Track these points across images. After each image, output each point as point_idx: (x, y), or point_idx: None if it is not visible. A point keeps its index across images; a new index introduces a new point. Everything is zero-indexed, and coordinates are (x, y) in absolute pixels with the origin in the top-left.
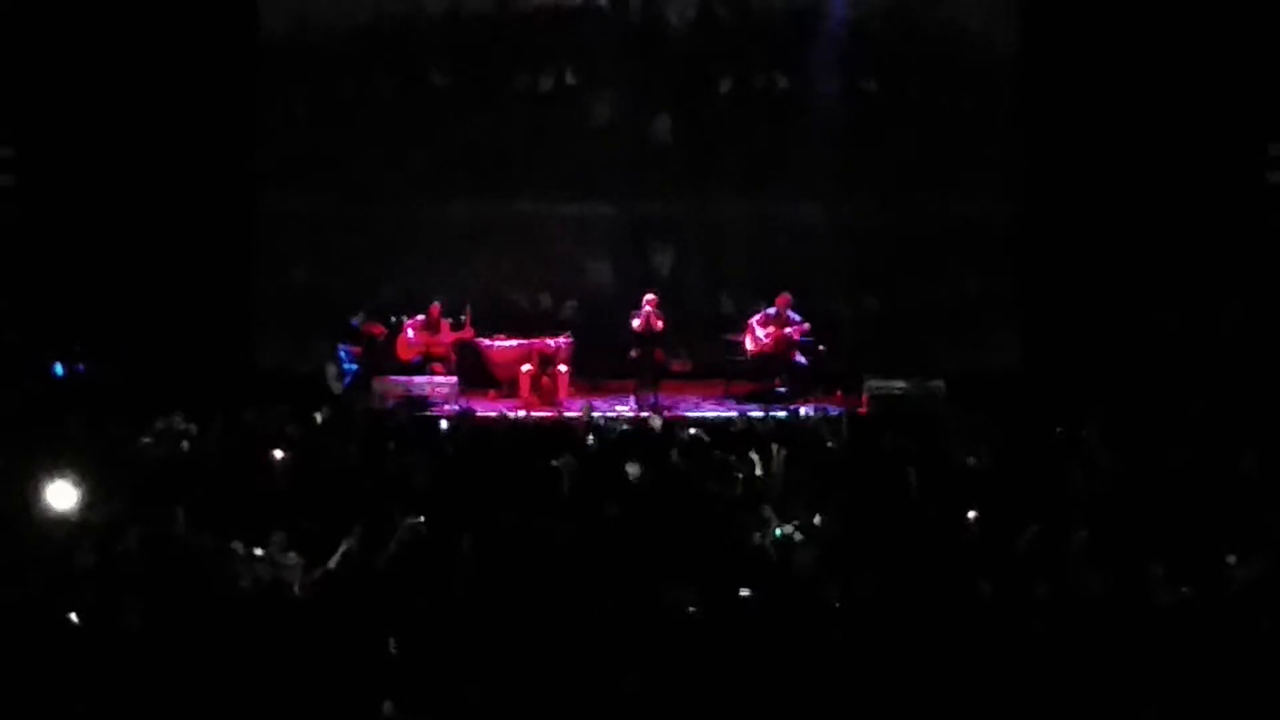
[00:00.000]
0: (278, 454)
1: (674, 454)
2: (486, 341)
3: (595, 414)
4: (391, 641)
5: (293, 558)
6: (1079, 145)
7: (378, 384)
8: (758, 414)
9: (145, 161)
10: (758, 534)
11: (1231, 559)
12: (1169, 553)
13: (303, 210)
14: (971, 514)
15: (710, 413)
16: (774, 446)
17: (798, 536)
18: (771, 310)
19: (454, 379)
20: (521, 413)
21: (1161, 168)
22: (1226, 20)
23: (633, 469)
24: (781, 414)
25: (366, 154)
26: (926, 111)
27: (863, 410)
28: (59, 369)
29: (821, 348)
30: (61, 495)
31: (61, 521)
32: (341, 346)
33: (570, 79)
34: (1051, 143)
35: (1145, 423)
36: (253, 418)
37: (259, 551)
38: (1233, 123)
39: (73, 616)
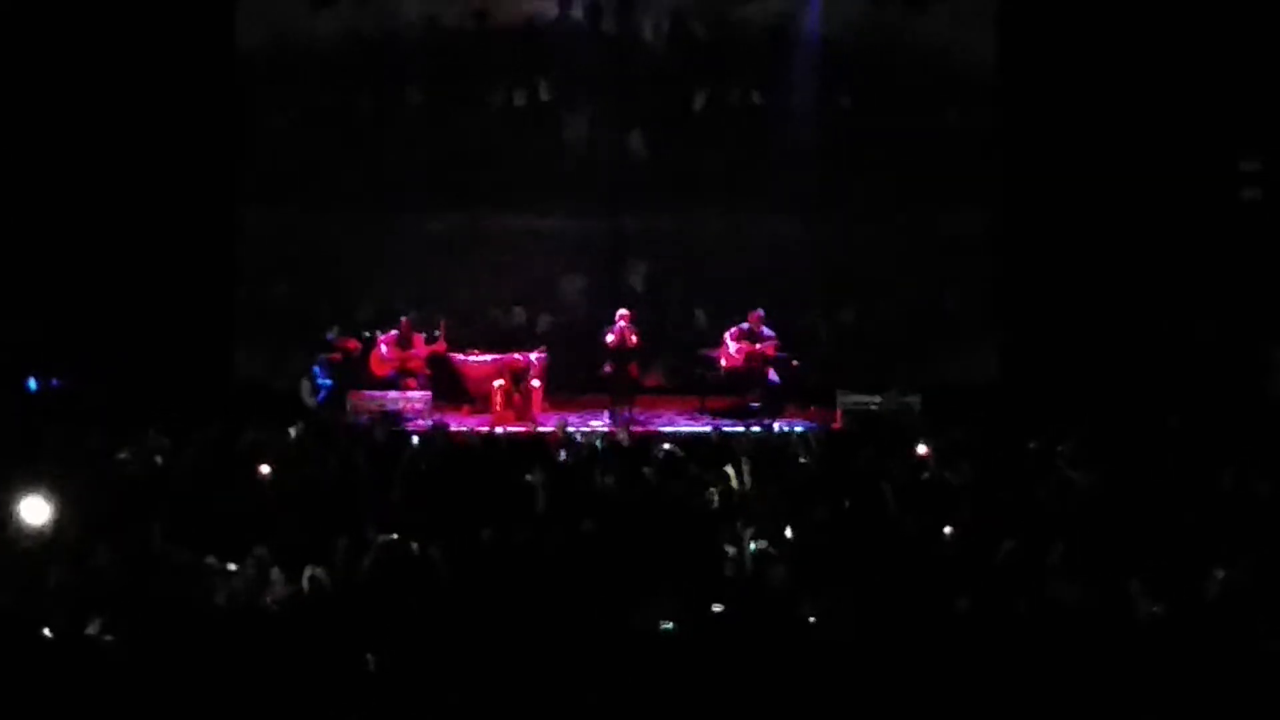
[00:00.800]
0: (264, 469)
1: (647, 469)
2: (460, 356)
3: (570, 429)
4: (370, 658)
5: (274, 573)
6: (1055, 159)
7: (351, 399)
8: (732, 429)
9: (124, 175)
10: (732, 549)
11: (1212, 573)
12: (1146, 567)
13: (279, 225)
14: (948, 529)
15: (684, 428)
16: (748, 462)
17: (772, 552)
18: (745, 325)
19: (427, 394)
20: (498, 429)
21: (1137, 182)
22: (1200, 35)
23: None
24: (756, 429)
25: (344, 168)
26: (902, 126)
27: (837, 425)
28: (33, 384)
29: (796, 363)
30: (35, 510)
31: (35, 536)
32: (317, 362)
33: (545, 94)
34: (1028, 157)
35: (1122, 437)
36: (229, 433)
37: (234, 567)
38: (1207, 137)
39: (45, 632)
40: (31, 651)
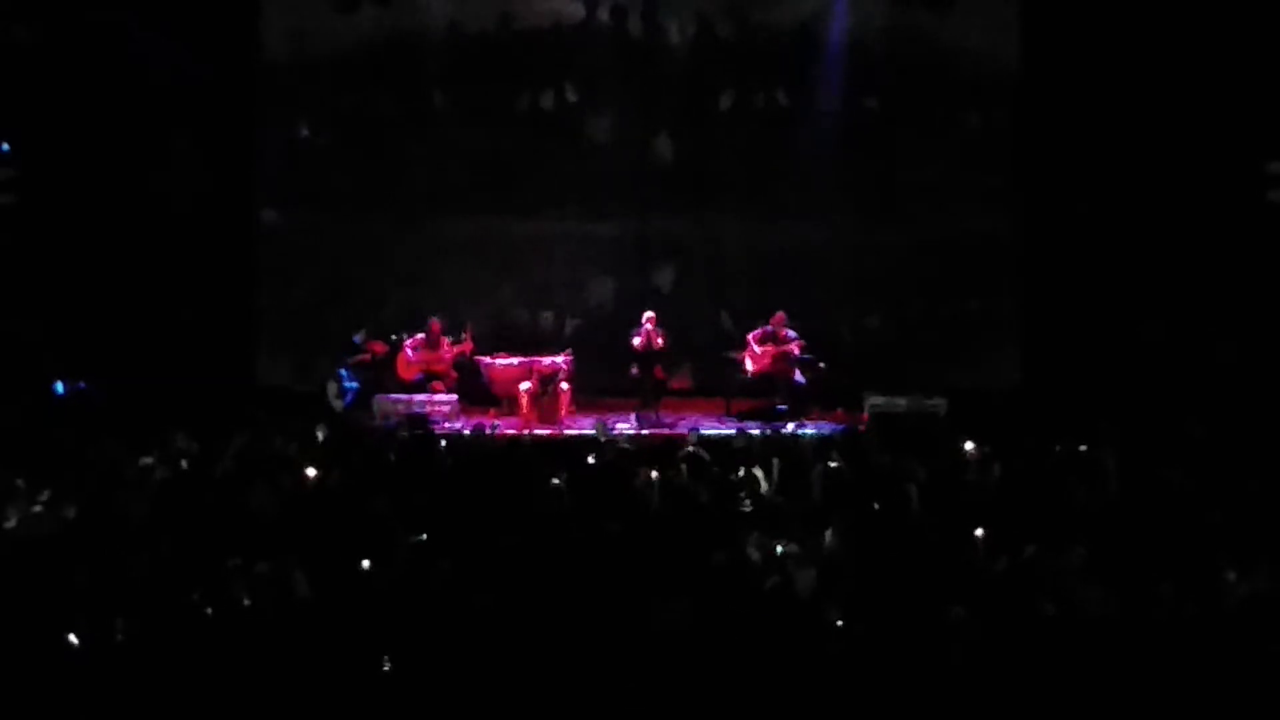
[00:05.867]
0: (310, 472)
1: (673, 472)
2: (487, 359)
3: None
4: (385, 659)
5: (299, 575)
6: (1080, 162)
7: (378, 402)
8: (758, 432)
9: (147, 179)
10: (757, 552)
11: (1231, 575)
12: (1171, 570)
13: (304, 229)
14: (979, 532)
15: (711, 430)
16: (774, 464)
17: (798, 554)
18: (768, 328)
19: (454, 397)
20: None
21: (1162, 185)
22: (1226, 36)
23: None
24: (782, 431)
25: (368, 172)
26: (927, 129)
27: (863, 428)
28: (60, 387)
29: (822, 365)
30: None
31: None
32: (343, 365)
33: (571, 97)
34: (1052, 160)
35: (1147, 440)
36: (257, 437)
37: (258, 570)
38: (1233, 139)
39: (71, 637)
40: (57, 654)
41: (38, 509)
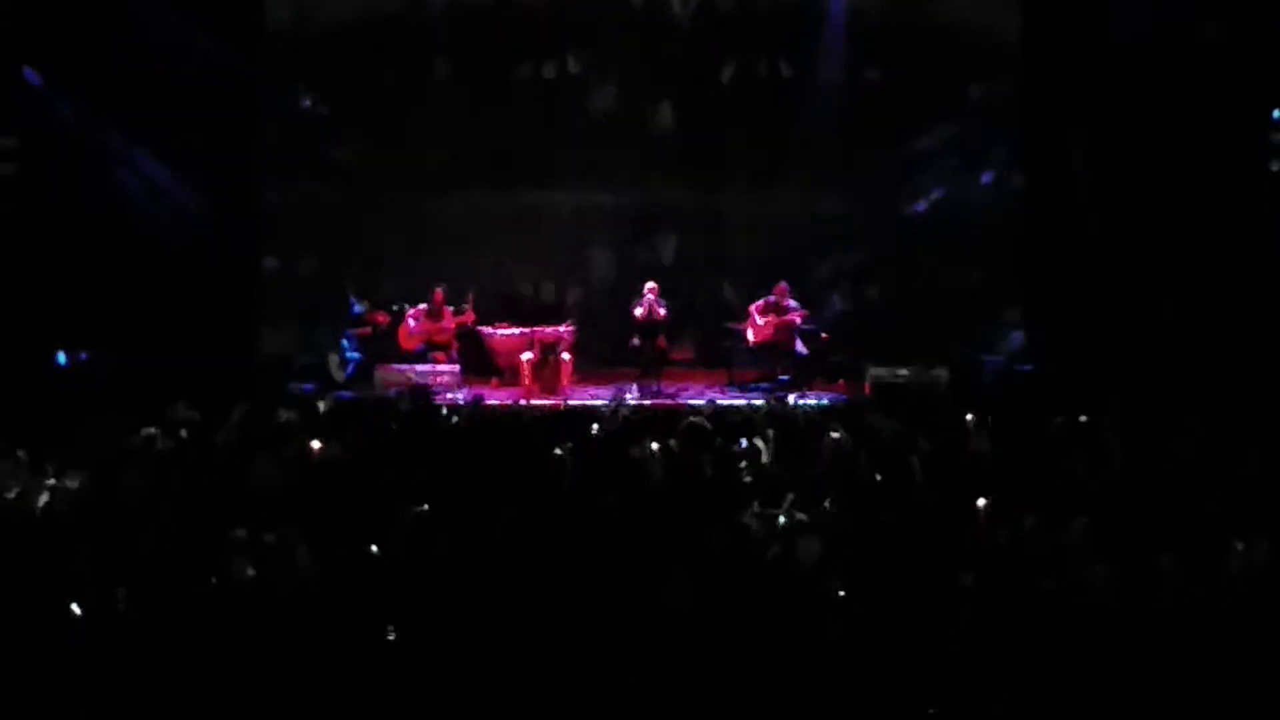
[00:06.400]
0: (315, 445)
1: (674, 442)
2: (488, 330)
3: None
4: (390, 629)
5: (301, 548)
6: (1081, 133)
7: (380, 372)
8: (760, 402)
9: (151, 151)
10: (759, 523)
11: (1237, 546)
12: (1175, 543)
13: (306, 200)
14: (981, 502)
15: (726, 401)
16: (772, 434)
17: (802, 524)
18: (770, 298)
19: (456, 367)
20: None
21: (1165, 157)
22: (1230, 6)
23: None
24: (785, 401)
25: (370, 144)
26: (929, 100)
27: (865, 398)
28: (62, 358)
29: (824, 335)
30: None
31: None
32: (344, 335)
33: (573, 67)
34: (1054, 131)
35: (1153, 413)
36: (258, 407)
37: (262, 541)
38: (1237, 111)
39: (74, 608)
40: (61, 626)
41: (50, 482)
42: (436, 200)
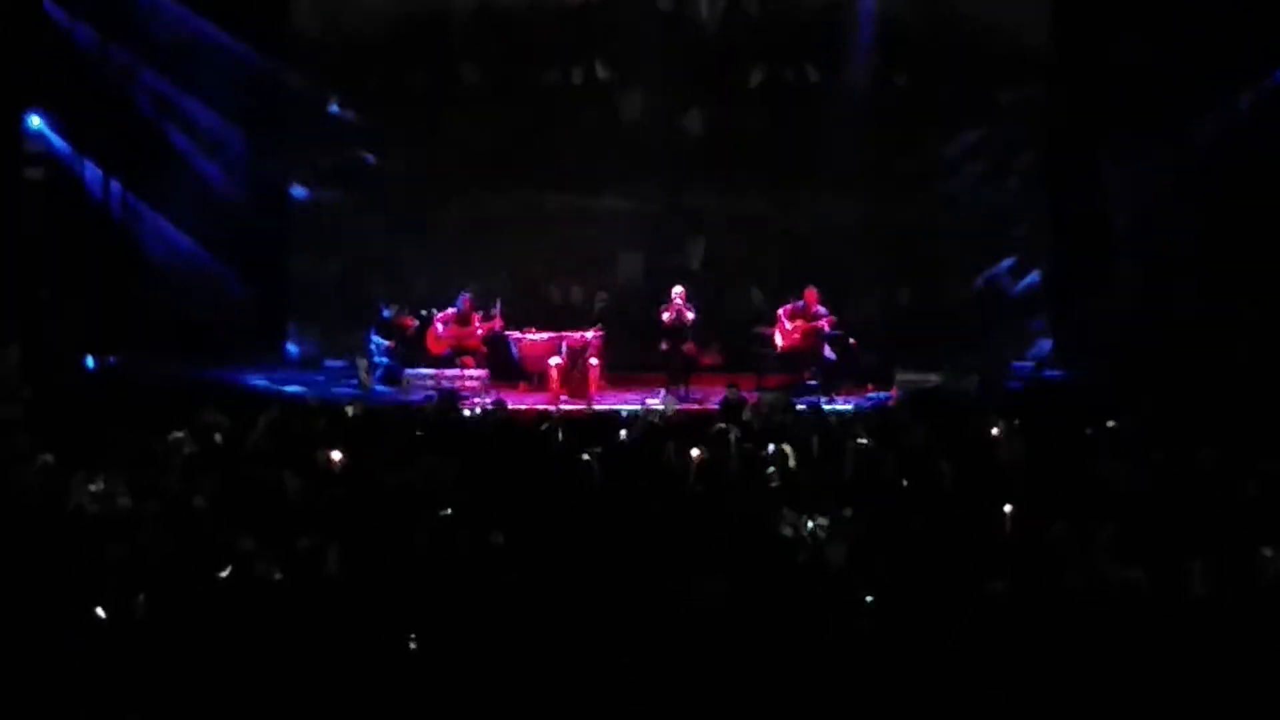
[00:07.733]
0: (335, 455)
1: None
2: (516, 334)
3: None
4: (412, 637)
5: (331, 552)
6: (1110, 138)
7: (408, 377)
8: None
9: (177, 156)
10: (788, 527)
11: (1265, 553)
12: (1204, 548)
13: (334, 205)
14: (1008, 508)
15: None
16: (806, 440)
17: (830, 530)
18: (799, 304)
19: (484, 372)
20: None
21: (1194, 159)
22: (1258, 12)
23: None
24: (814, 407)
25: (398, 148)
26: (958, 105)
27: (894, 404)
28: (91, 362)
29: (853, 341)
30: None
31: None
32: (372, 339)
33: (601, 73)
34: (1084, 136)
35: (1180, 419)
36: (283, 412)
37: (284, 545)
38: (1266, 115)
39: (99, 611)
40: (85, 628)
41: (94, 488)
42: (463, 205)
